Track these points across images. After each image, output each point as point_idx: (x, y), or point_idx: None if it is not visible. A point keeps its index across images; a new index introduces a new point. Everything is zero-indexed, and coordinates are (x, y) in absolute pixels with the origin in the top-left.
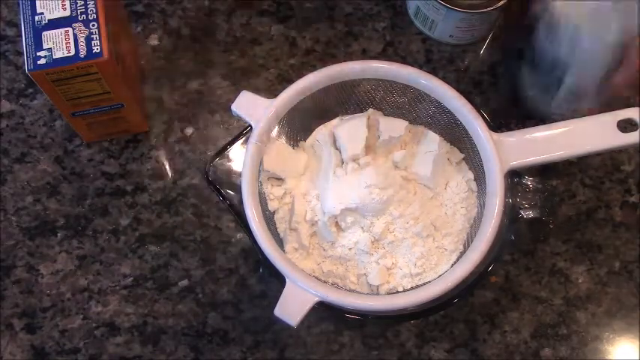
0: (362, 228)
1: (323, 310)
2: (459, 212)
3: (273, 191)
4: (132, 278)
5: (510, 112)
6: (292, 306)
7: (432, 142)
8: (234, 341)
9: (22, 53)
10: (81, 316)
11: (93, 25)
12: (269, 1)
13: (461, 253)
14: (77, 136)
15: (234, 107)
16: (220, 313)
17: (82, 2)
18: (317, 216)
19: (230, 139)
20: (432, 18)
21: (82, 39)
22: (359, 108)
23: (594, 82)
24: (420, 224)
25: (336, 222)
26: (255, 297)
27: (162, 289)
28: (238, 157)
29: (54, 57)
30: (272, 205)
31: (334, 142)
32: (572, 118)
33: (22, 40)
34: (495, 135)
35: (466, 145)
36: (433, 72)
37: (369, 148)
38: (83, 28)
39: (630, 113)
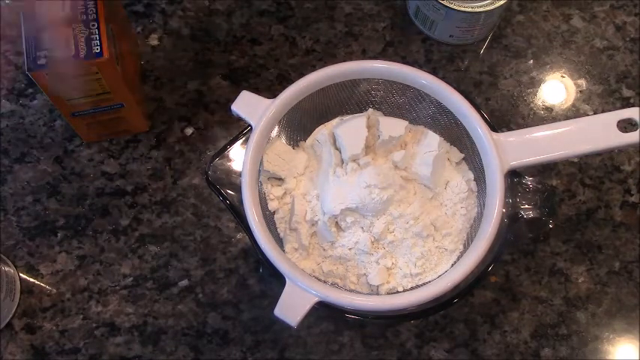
0: (362, 228)
1: (323, 310)
2: (459, 212)
3: (273, 191)
4: (132, 278)
5: (510, 112)
6: (292, 306)
7: (432, 142)
8: (234, 341)
9: (22, 53)
10: (81, 316)
11: (93, 25)
12: (269, 1)
13: (461, 253)
14: (77, 136)
15: (234, 107)
16: (220, 313)
17: (82, 2)
18: (317, 216)
19: (230, 139)
20: (432, 18)
21: (82, 39)
22: (359, 108)
23: None
24: (420, 224)
25: (336, 222)
26: (255, 297)
27: (162, 289)
28: (238, 157)
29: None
30: (272, 205)
31: (334, 142)
32: None
33: (22, 40)
34: (495, 135)
35: (466, 145)
36: (433, 72)
37: (369, 148)
38: (83, 28)
39: (630, 113)
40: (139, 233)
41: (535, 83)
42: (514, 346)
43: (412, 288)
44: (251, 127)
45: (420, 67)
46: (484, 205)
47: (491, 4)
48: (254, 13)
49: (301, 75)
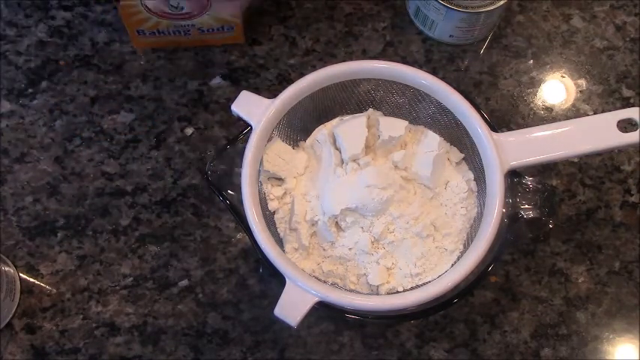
0: (362, 228)
1: (323, 310)
2: (459, 212)
3: (273, 191)
4: (132, 278)
5: (510, 112)
6: (292, 306)
7: (432, 142)
8: (234, 341)
9: None
10: (81, 316)
11: None
12: (269, 1)
13: (461, 253)
14: (77, 135)
15: (234, 107)
16: (220, 313)
17: None
18: (317, 216)
19: (230, 139)
20: (432, 18)
21: None
22: (359, 108)
23: None
24: (420, 224)
25: (336, 222)
26: (255, 297)
27: (162, 289)
28: (238, 157)
29: None
30: (272, 205)
31: (334, 142)
32: None
33: None
34: (495, 135)
35: (466, 145)
36: (433, 72)
37: (369, 148)
38: None
39: (630, 113)
40: (139, 233)
41: (535, 83)
42: (514, 346)
43: (412, 288)
44: (251, 127)
45: (420, 67)
46: (484, 205)
47: (491, 4)
48: (254, 13)
49: (301, 75)
